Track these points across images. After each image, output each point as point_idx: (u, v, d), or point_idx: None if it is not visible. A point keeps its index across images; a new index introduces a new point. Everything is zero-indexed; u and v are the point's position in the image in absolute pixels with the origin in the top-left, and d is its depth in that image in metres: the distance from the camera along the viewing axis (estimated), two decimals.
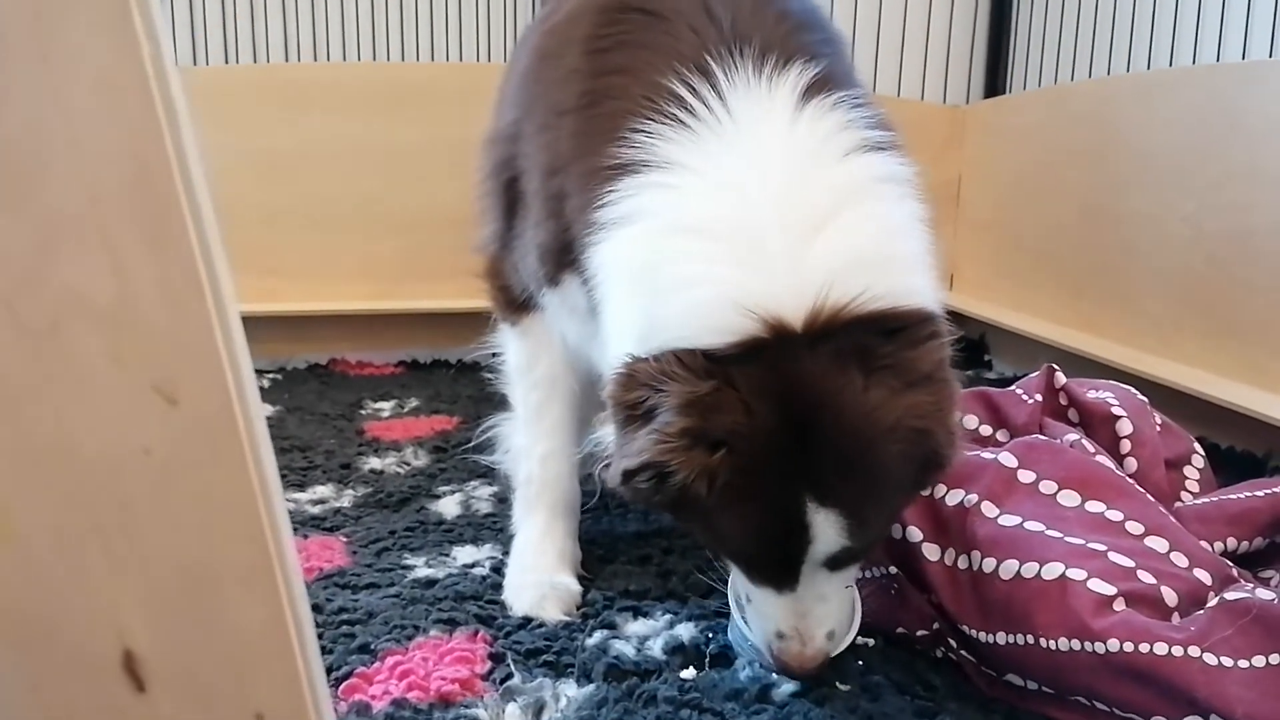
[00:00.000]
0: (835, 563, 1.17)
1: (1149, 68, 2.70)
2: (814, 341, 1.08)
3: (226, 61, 3.10)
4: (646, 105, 1.23)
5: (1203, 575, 1.24)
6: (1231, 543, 1.39)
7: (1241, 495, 1.45)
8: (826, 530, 1.11)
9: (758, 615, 1.24)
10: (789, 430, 1.09)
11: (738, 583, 1.27)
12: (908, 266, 1.18)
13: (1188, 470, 1.58)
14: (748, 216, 1.14)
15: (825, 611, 1.20)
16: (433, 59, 3.18)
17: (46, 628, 0.47)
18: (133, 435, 0.45)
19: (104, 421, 0.45)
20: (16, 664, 0.47)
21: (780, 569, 1.17)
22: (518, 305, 1.59)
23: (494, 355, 1.74)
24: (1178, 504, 1.48)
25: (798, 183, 1.16)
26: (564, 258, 1.38)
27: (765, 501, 1.12)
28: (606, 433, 1.29)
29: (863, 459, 1.11)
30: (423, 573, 1.57)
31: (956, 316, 2.70)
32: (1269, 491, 1.43)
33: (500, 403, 1.73)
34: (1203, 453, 1.62)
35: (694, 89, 1.22)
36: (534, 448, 1.60)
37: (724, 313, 1.09)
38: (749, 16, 1.30)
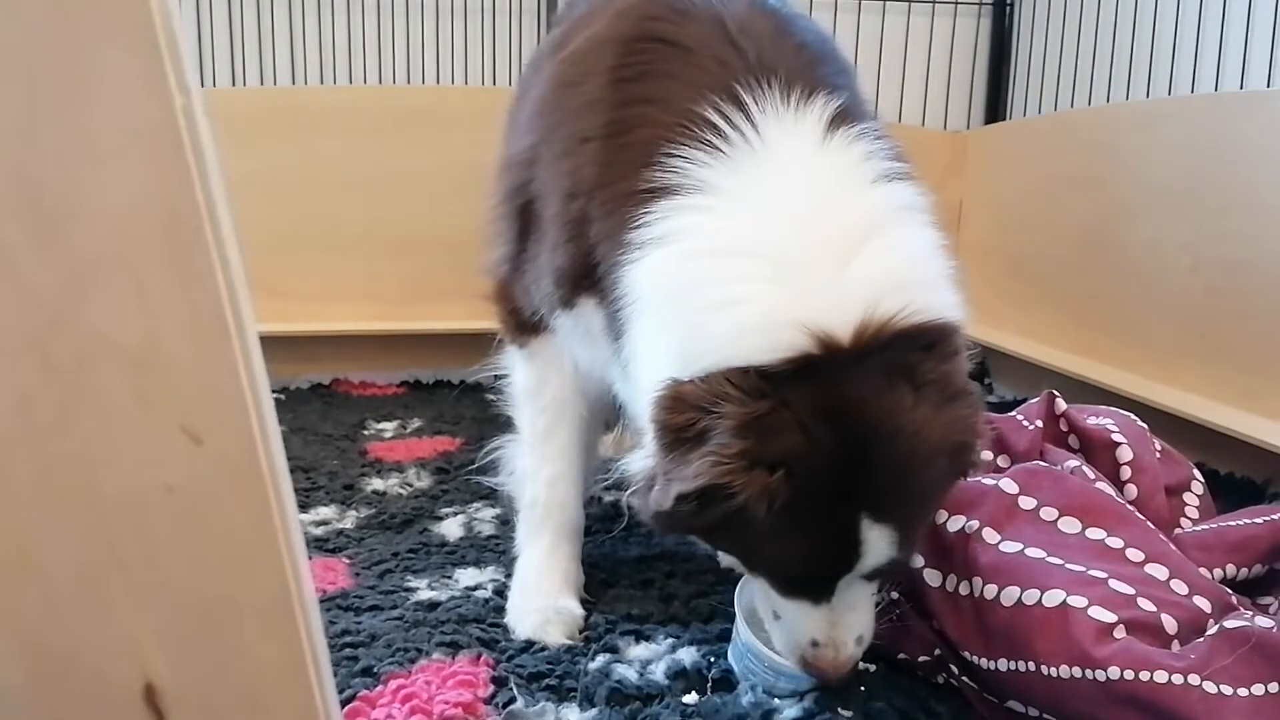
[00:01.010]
0: (875, 574, 1.20)
1: (1148, 95, 2.72)
2: (862, 357, 1.11)
3: (233, 84, 3.12)
4: (680, 131, 1.26)
5: (1202, 603, 1.25)
6: (1231, 570, 1.40)
7: (1241, 522, 1.45)
8: (879, 545, 1.14)
9: (788, 628, 1.25)
10: (845, 449, 1.11)
11: (762, 597, 1.29)
12: (939, 284, 1.22)
13: (1187, 497, 1.59)
14: (787, 237, 1.17)
15: (856, 619, 1.23)
16: (438, 82, 3.20)
17: (68, 660, 0.47)
18: (157, 473, 0.46)
19: (129, 459, 0.46)
20: (37, 696, 0.48)
21: (822, 583, 1.20)
22: (527, 328, 1.60)
23: (498, 377, 1.74)
24: (1177, 531, 1.49)
25: (831, 207, 1.20)
26: (582, 281, 1.40)
27: (821, 520, 1.14)
28: (635, 459, 1.27)
29: (915, 475, 1.15)
30: (425, 595, 1.57)
31: None
32: (1269, 519, 1.44)
33: (503, 424, 1.74)
34: (1202, 479, 1.63)
35: (726, 116, 1.25)
36: (540, 471, 1.61)
37: (775, 330, 1.11)
38: (771, 48, 1.33)
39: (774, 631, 1.29)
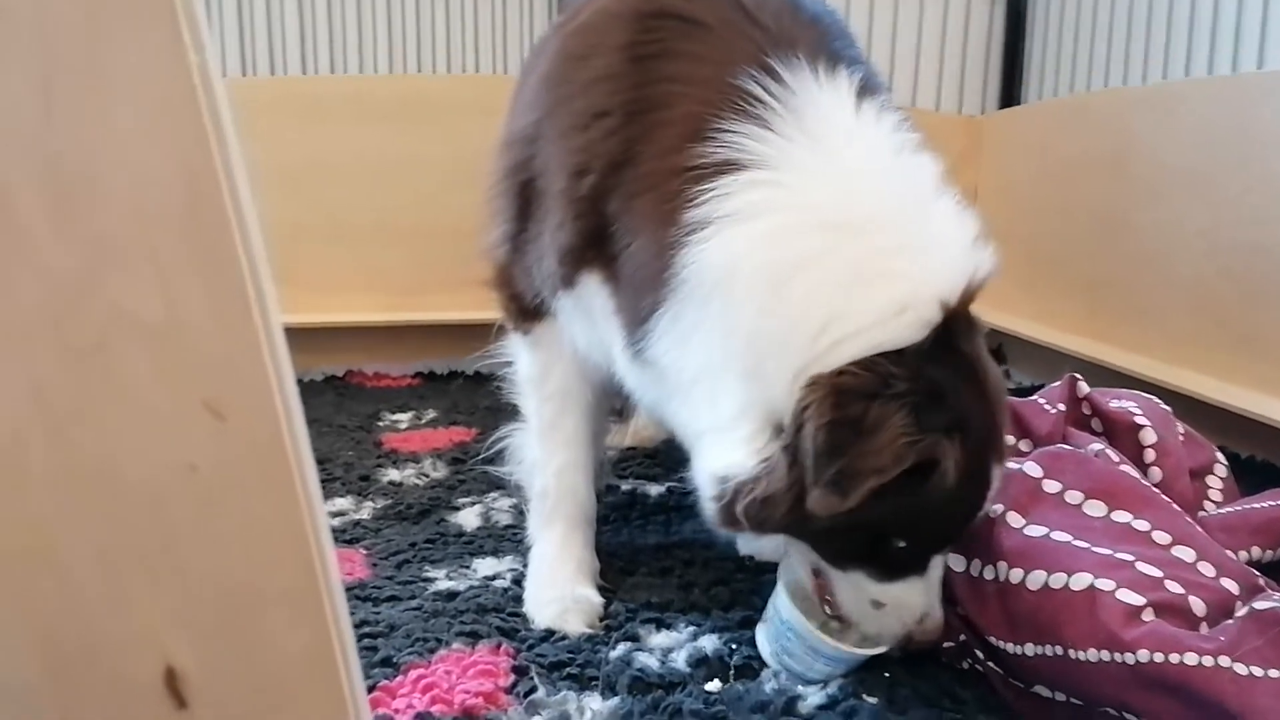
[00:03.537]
0: None
1: (1165, 77, 2.70)
2: (964, 317, 1.20)
3: (244, 74, 3.11)
4: (723, 106, 1.24)
5: (1230, 585, 1.24)
6: (1256, 552, 1.39)
7: (1265, 504, 1.44)
8: (995, 488, 1.24)
9: (896, 611, 1.26)
10: (981, 403, 1.19)
11: (853, 595, 1.28)
12: (980, 243, 1.25)
13: (1210, 480, 1.57)
14: (875, 209, 1.20)
15: (939, 579, 1.29)
16: (449, 70, 3.19)
17: (87, 650, 0.47)
18: (179, 452, 0.45)
19: (150, 439, 0.45)
20: (55, 688, 0.47)
21: (941, 548, 1.27)
22: (529, 313, 1.58)
23: (505, 365, 1.72)
24: (1201, 513, 1.47)
25: (895, 176, 1.24)
26: (585, 255, 1.38)
27: (981, 476, 1.21)
28: (722, 462, 1.24)
29: (1006, 415, 1.26)
30: (444, 585, 1.57)
31: None
32: None
33: (515, 413, 1.73)
34: (1225, 462, 1.61)
35: (767, 89, 1.24)
36: (549, 461, 1.60)
37: (919, 306, 1.16)
38: (790, 23, 1.33)
39: (871, 624, 1.28)
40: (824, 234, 1.19)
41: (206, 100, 0.43)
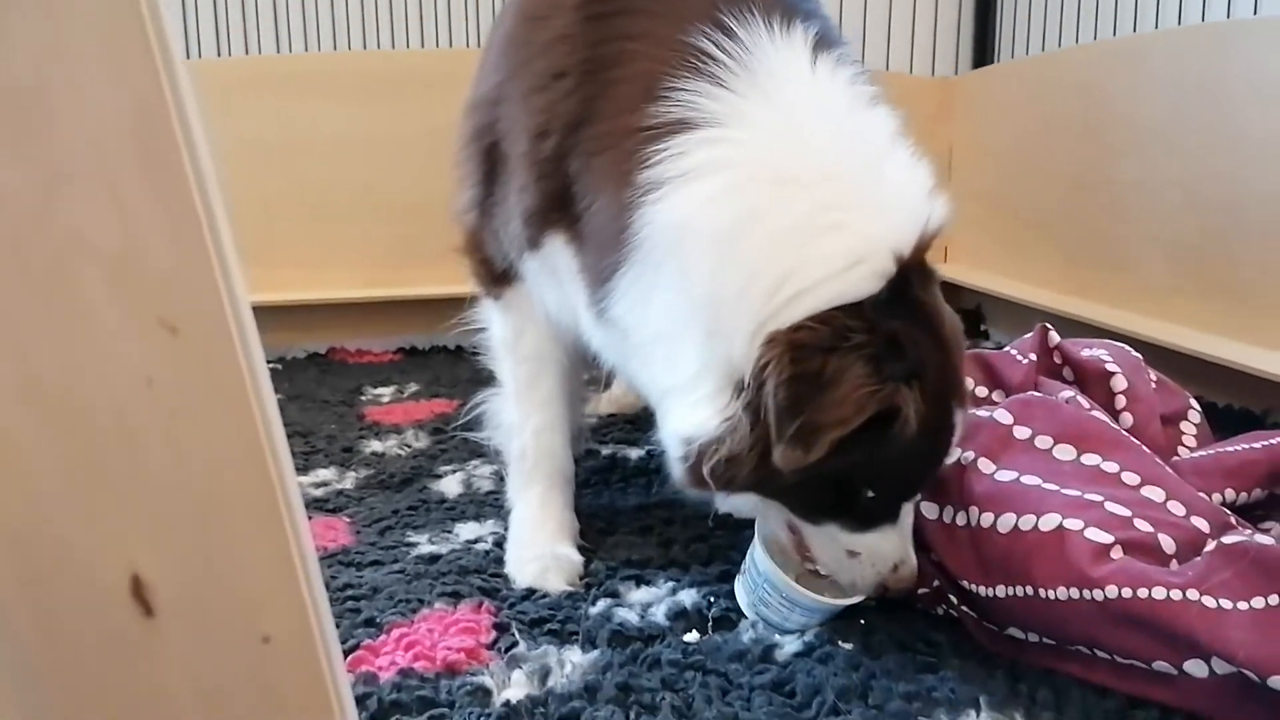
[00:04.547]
0: None
1: (1135, 30, 2.71)
2: (919, 267, 1.20)
3: (219, 54, 3.10)
4: (677, 64, 1.24)
5: (1200, 523, 1.25)
6: (1230, 494, 1.40)
7: (1239, 447, 1.45)
8: (959, 433, 1.25)
9: (871, 560, 1.27)
10: (938, 351, 1.20)
11: (827, 545, 1.29)
12: (934, 193, 1.25)
13: (1184, 426, 1.59)
14: (828, 163, 1.21)
15: (910, 526, 1.30)
16: (423, 45, 3.19)
17: (55, 559, 0.48)
18: (136, 367, 0.47)
19: (106, 354, 0.46)
20: (26, 594, 0.48)
21: (911, 496, 1.28)
22: (499, 277, 1.59)
23: (479, 332, 1.72)
24: (1175, 458, 1.49)
25: (846, 130, 1.24)
26: (549, 217, 1.38)
27: (941, 422, 1.22)
28: (686, 424, 1.25)
29: (964, 359, 1.29)
30: (426, 549, 1.58)
31: (952, 287, 2.71)
32: (1267, 443, 1.43)
33: (495, 382, 1.73)
34: (1199, 409, 1.63)
35: (720, 46, 1.24)
36: (526, 422, 1.61)
37: (874, 259, 1.16)
38: None
39: (846, 574, 1.29)
40: (773, 189, 1.19)
41: (154, 26, 0.44)
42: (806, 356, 1.14)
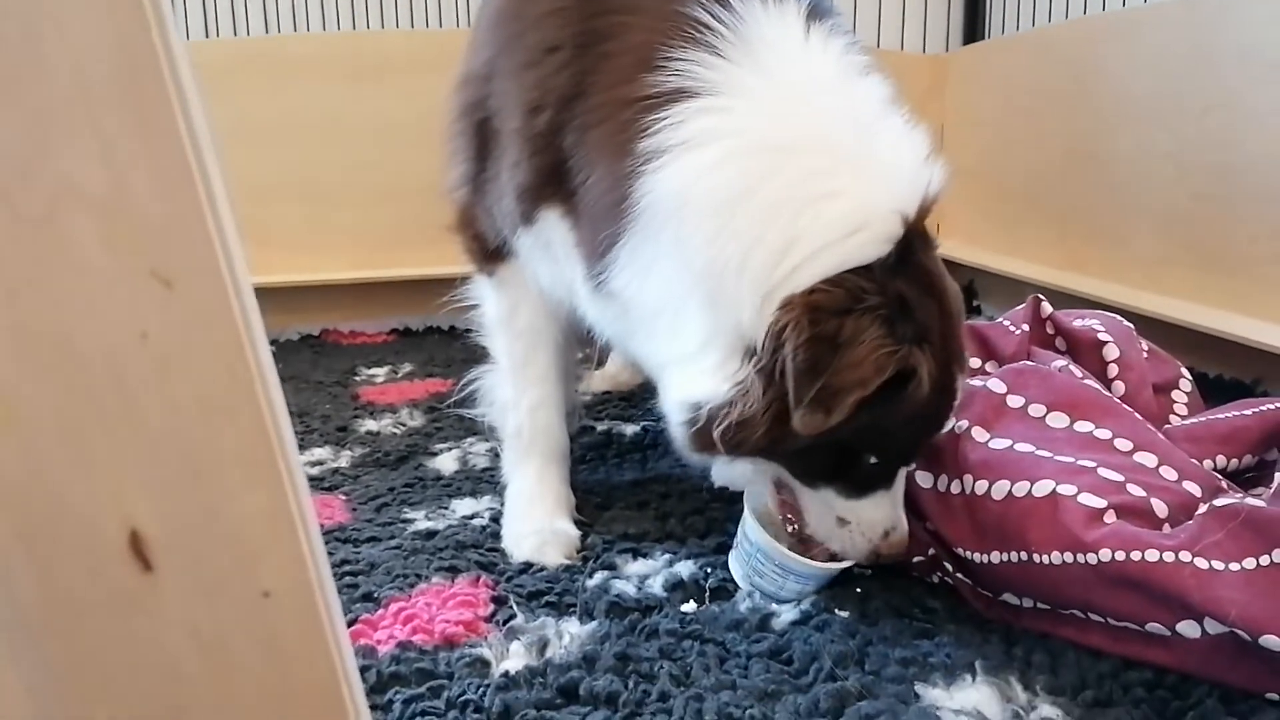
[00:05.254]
0: None
1: (1125, 4, 2.70)
2: (921, 233, 1.21)
3: (207, 35, 3.09)
4: (673, 34, 1.24)
5: (1192, 488, 1.26)
6: (1221, 460, 1.41)
7: (1230, 414, 1.46)
8: (959, 397, 1.27)
9: (864, 527, 1.28)
10: (943, 315, 1.21)
11: (822, 512, 1.30)
12: (930, 159, 1.26)
13: (1175, 394, 1.60)
14: (822, 129, 1.22)
15: (901, 494, 1.31)
16: (413, 26, 3.18)
17: (52, 514, 0.48)
18: (130, 320, 0.47)
19: (100, 307, 0.46)
20: (23, 552, 0.48)
21: (908, 460, 1.30)
22: (493, 254, 1.58)
23: (472, 308, 1.72)
24: (1166, 426, 1.49)
25: (839, 96, 1.25)
26: (544, 191, 1.38)
27: (946, 384, 1.23)
28: (686, 395, 1.26)
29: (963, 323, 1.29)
30: (423, 525, 1.58)
31: (944, 264, 2.70)
32: (1257, 410, 1.44)
33: (489, 360, 1.73)
34: (1190, 377, 1.63)
35: (715, 16, 1.24)
36: (522, 398, 1.61)
37: (880, 222, 1.17)
38: None
39: (840, 541, 1.30)
40: (768, 157, 1.20)
41: None
42: (823, 318, 1.14)
